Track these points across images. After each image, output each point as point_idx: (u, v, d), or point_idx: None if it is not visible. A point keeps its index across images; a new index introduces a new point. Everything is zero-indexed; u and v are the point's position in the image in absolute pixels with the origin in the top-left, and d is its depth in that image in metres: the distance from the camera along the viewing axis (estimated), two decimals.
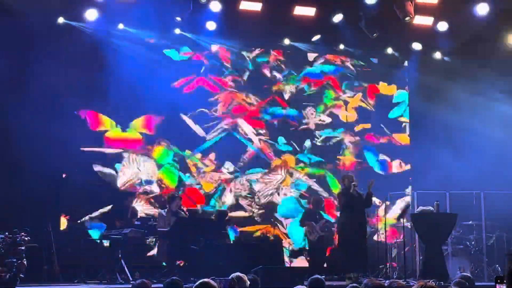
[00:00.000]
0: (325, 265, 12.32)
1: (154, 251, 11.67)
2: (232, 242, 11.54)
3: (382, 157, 14.34)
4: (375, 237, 12.90)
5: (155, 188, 12.80)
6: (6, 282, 6.92)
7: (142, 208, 12.46)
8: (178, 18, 12.47)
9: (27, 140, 11.24)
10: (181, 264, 10.89)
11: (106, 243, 10.92)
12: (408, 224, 11.94)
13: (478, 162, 12.84)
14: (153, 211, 12.41)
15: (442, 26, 13.32)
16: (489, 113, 13.48)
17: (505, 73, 13.49)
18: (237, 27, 13.23)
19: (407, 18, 12.33)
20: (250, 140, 13.69)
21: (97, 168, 12.56)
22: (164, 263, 11.15)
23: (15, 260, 8.64)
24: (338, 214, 12.29)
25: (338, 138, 14.22)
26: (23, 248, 8.74)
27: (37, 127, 11.16)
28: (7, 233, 8.94)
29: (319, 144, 14.12)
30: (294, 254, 12.88)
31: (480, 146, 13.09)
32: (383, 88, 14.70)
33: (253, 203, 13.48)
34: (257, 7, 12.53)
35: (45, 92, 11.61)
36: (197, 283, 5.32)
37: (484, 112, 13.47)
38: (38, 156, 11.16)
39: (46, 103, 11.61)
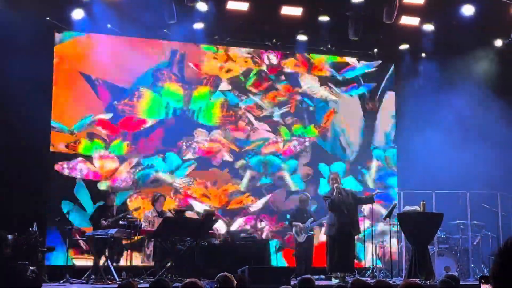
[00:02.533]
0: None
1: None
2: (218, 242, 11.52)
3: None
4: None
5: None
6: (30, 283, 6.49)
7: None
8: (173, 22, 12.41)
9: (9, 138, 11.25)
10: (168, 264, 10.85)
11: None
12: (394, 224, 11.98)
13: (463, 162, 12.94)
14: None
15: (428, 27, 13.39)
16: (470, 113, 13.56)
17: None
18: (225, 26, 13.29)
19: (388, 21, 12.42)
20: None
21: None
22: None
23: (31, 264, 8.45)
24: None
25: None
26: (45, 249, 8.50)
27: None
28: (16, 233, 8.83)
29: None
30: None
31: (464, 145, 13.15)
32: None
33: None
34: (244, 6, 12.53)
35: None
36: (183, 283, 5.31)
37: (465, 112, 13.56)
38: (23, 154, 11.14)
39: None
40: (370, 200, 11.47)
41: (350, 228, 11.05)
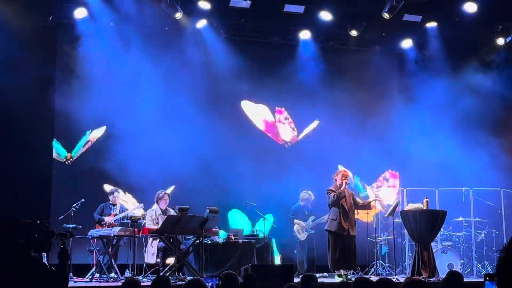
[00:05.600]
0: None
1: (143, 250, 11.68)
2: (221, 240, 11.51)
3: None
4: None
5: None
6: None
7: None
8: (178, 14, 12.41)
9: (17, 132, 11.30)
10: (171, 263, 10.85)
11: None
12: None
13: (465, 159, 12.95)
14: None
15: (431, 24, 13.42)
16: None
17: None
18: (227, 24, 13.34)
19: (386, 15, 12.45)
20: None
21: None
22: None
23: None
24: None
25: None
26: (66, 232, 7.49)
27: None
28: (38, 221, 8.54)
29: None
30: None
31: (467, 143, 13.16)
32: None
33: None
34: (246, 4, 12.55)
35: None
36: (187, 281, 5.31)
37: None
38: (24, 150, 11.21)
39: None
40: (367, 207, 11.49)
41: (349, 227, 11.03)
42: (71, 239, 8.50)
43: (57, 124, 12.72)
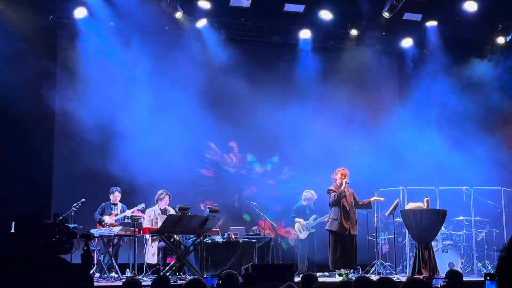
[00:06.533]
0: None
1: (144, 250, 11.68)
2: (222, 240, 11.51)
3: None
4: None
5: None
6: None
7: None
8: (178, 13, 12.44)
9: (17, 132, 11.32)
10: (171, 262, 10.86)
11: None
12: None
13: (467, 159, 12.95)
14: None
15: (431, 23, 13.42)
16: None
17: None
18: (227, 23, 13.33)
19: (386, 14, 12.46)
20: None
21: None
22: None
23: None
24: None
25: None
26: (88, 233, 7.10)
27: None
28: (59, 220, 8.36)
29: None
30: None
31: (466, 142, 13.17)
32: None
33: None
34: (247, 3, 12.57)
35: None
36: (187, 281, 5.31)
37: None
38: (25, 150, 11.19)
39: None
40: (367, 206, 11.50)
41: (349, 226, 11.03)
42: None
43: (57, 123, 12.74)
